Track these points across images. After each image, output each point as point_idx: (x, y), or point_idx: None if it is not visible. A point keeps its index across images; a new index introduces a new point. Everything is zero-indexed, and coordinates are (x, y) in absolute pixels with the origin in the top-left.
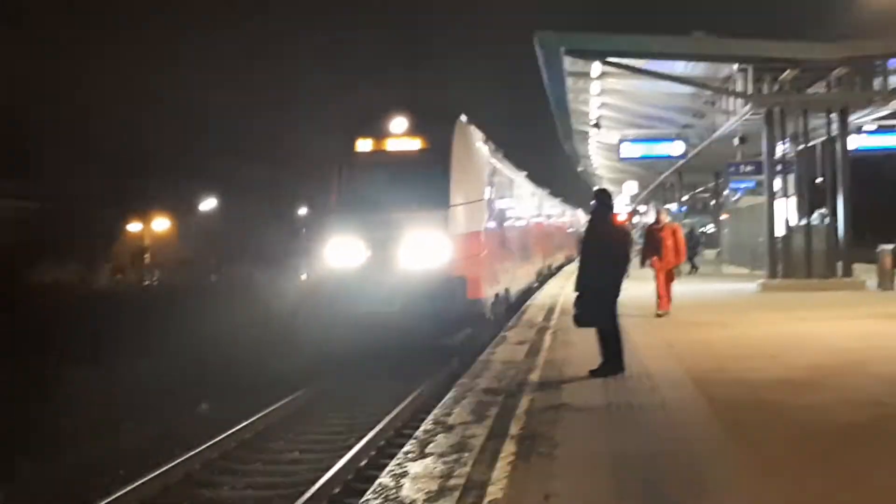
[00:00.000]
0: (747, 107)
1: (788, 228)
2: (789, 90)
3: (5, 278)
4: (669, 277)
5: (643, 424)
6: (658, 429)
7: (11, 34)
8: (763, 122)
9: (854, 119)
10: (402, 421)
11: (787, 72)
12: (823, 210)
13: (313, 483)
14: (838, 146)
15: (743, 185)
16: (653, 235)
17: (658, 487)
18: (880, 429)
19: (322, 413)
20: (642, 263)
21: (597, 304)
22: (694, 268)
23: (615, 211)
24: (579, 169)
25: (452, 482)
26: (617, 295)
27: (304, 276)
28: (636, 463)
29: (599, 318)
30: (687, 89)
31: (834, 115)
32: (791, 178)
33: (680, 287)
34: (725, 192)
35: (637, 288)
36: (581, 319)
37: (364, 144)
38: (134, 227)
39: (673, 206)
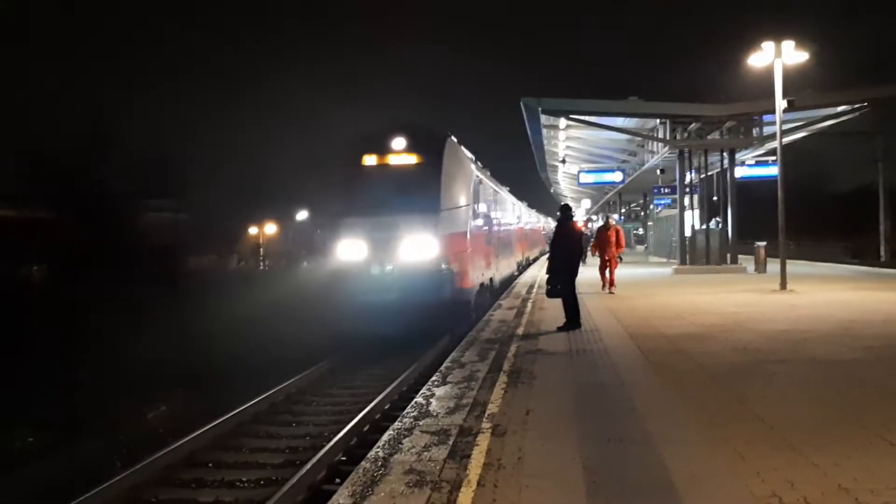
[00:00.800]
0: (666, 148)
1: (693, 231)
2: (695, 137)
3: (167, 265)
4: (615, 264)
5: (593, 363)
6: (604, 366)
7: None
8: (677, 159)
9: (739, 156)
10: (424, 366)
11: (693, 124)
12: (718, 218)
13: (376, 397)
14: (728, 175)
15: (663, 202)
16: (602, 234)
17: (604, 404)
18: (754, 364)
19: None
20: (593, 253)
21: (562, 282)
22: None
23: (574, 219)
24: (551, 190)
25: (465, 401)
26: (575, 275)
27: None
28: (589, 389)
29: (564, 292)
30: (625, 136)
31: (725, 154)
32: (696, 196)
33: (618, 272)
34: (651, 207)
35: (590, 273)
36: (551, 293)
37: (370, 159)
38: (252, 230)
39: (616, 216)
